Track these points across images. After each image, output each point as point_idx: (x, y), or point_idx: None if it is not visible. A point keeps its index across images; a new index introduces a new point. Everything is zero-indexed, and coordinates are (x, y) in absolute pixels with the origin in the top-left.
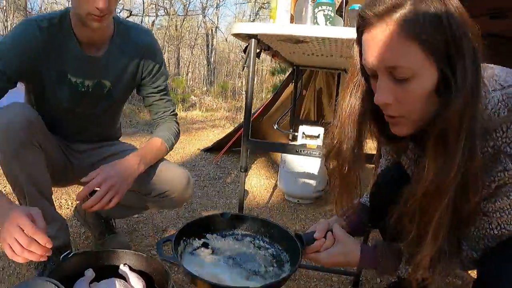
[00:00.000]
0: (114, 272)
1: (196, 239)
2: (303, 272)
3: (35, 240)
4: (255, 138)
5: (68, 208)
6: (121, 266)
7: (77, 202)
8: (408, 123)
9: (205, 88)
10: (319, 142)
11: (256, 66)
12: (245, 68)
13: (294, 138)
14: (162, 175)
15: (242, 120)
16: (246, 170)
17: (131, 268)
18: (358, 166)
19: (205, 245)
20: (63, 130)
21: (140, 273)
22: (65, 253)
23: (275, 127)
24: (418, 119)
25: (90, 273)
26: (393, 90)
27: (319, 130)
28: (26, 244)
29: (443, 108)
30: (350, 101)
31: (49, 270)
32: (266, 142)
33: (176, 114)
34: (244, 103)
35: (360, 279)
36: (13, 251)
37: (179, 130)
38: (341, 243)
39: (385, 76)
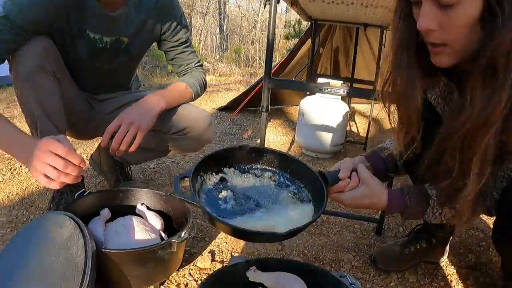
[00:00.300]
0: (130, 212)
1: (214, 174)
2: (324, 218)
3: (69, 161)
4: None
5: None
6: (138, 206)
7: (96, 151)
8: (450, 53)
9: (218, 56)
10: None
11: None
12: (267, 5)
13: (311, 94)
14: (183, 112)
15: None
16: (267, 110)
17: (148, 208)
18: (412, 97)
19: (223, 181)
20: (81, 82)
21: (158, 213)
22: (80, 192)
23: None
24: (460, 49)
25: (105, 213)
26: (437, 16)
27: (339, 81)
28: (62, 166)
29: (490, 39)
30: (395, 31)
31: (63, 208)
32: (287, 80)
33: (202, 65)
34: (257, 69)
35: (383, 226)
36: (48, 178)
37: (205, 80)
38: (366, 185)
39: (429, 1)
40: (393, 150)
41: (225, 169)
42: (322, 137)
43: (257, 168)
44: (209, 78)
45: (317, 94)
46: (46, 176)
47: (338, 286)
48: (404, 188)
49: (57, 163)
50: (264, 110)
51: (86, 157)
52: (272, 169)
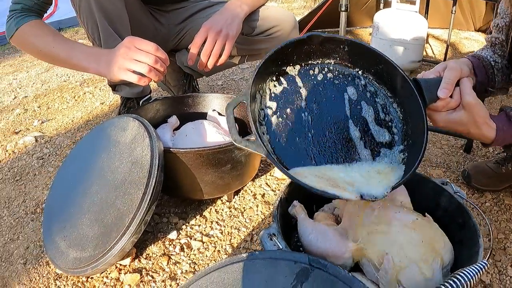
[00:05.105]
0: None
1: (274, 79)
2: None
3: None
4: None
5: None
6: (210, 112)
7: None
8: None
9: None
10: (416, 8)
11: None
12: None
13: (387, 5)
14: (268, 13)
15: None
16: (346, 9)
17: (220, 115)
18: None
19: (290, 83)
20: None
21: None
22: (145, 98)
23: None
24: None
25: (173, 120)
26: None
27: None
28: (153, 61)
29: None
30: None
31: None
32: None
33: None
34: None
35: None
36: (137, 75)
37: None
38: (469, 112)
39: None
40: (492, 60)
41: (289, 69)
42: (399, 52)
43: (330, 65)
44: (270, 4)
45: (393, 7)
46: (134, 73)
47: (441, 192)
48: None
49: (147, 58)
50: (343, 9)
51: None
52: (351, 68)
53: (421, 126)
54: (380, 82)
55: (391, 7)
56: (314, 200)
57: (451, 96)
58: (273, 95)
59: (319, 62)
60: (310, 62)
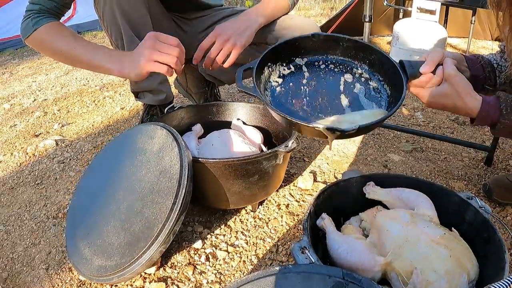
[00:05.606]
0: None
1: (284, 64)
2: (429, 145)
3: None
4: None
5: None
6: (234, 120)
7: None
8: None
9: None
10: (436, 18)
11: None
12: None
13: (406, 15)
14: (292, 22)
15: None
16: (370, 20)
17: (245, 124)
18: None
19: (293, 73)
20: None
21: (256, 128)
22: (170, 106)
23: (385, 4)
24: None
25: (198, 128)
26: None
27: (435, 5)
28: (177, 53)
29: None
30: None
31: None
32: None
33: None
34: (337, 4)
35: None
36: (163, 66)
37: None
38: (450, 84)
39: None
40: (494, 62)
41: (297, 59)
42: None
43: (333, 58)
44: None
45: (413, 16)
46: (160, 64)
47: (466, 207)
48: (501, 95)
49: (172, 50)
50: (367, 20)
51: (171, 80)
52: (349, 60)
53: (400, 89)
54: (374, 71)
55: (411, 17)
56: (342, 213)
57: (434, 73)
58: (281, 74)
59: (323, 56)
60: (315, 56)
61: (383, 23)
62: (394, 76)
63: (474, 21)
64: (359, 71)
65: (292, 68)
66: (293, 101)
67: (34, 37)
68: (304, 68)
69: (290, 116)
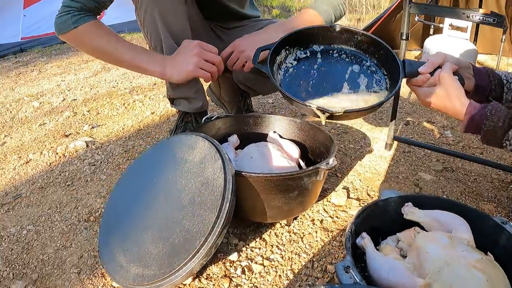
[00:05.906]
0: (261, 141)
1: (301, 49)
2: (459, 165)
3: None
4: (388, 37)
5: None
6: (270, 133)
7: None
8: None
9: None
10: (467, 35)
11: None
12: None
13: (437, 31)
14: None
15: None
16: (407, 38)
17: (281, 137)
18: None
19: (307, 58)
20: (205, 9)
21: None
22: (206, 116)
23: (416, 19)
24: None
25: (234, 139)
26: None
27: (467, 22)
28: (218, 61)
29: None
30: None
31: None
32: (433, 5)
33: None
34: (363, 15)
35: None
36: (206, 73)
37: (343, 6)
38: (442, 86)
39: None
40: (504, 78)
41: (315, 46)
42: None
43: (347, 49)
44: None
45: (444, 33)
46: (204, 71)
47: (501, 232)
48: (492, 103)
49: (214, 59)
50: (404, 38)
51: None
52: (360, 53)
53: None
54: (381, 65)
55: (442, 34)
56: (378, 232)
57: (432, 75)
58: (297, 57)
59: (338, 46)
60: (332, 45)
61: (411, 37)
62: (396, 72)
63: (504, 39)
64: (368, 63)
65: (308, 53)
66: (301, 82)
67: (73, 34)
68: (319, 55)
69: (290, 94)
